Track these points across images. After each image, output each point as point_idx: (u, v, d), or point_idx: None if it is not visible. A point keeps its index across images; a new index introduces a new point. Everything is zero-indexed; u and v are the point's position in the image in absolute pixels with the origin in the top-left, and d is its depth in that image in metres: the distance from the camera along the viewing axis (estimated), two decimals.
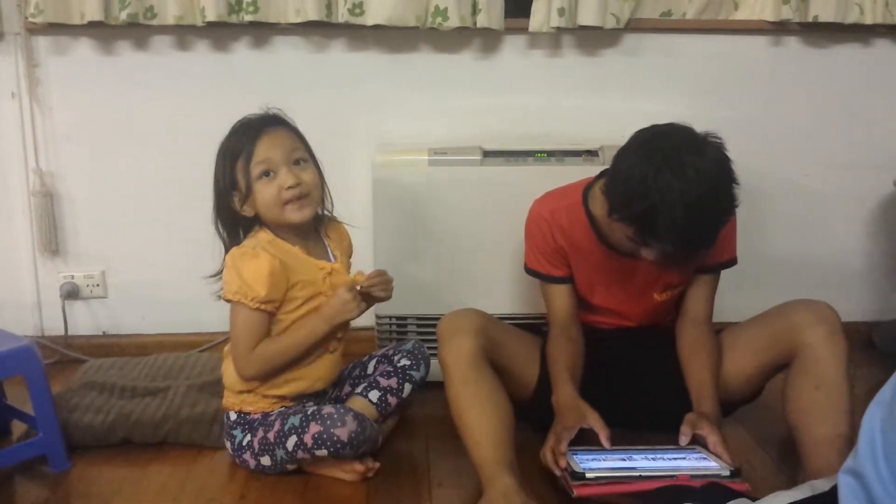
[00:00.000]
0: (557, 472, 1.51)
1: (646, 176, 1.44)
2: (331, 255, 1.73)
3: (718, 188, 1.47)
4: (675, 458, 1.56)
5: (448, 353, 1.62)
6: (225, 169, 1.62)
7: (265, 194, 1.60)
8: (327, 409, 1.59)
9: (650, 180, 1.43)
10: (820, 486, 1.21)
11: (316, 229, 1.74)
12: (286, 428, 1.59)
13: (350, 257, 1.79)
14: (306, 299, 1.64)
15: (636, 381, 1.78)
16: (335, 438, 1.54)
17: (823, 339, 1.56)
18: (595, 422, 1.55)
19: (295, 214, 1.62)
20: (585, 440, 1.64)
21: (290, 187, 1.59)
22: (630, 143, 1.55)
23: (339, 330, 1.69)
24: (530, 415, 1.74)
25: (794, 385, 1.58)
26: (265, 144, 1.60)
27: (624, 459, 1.55)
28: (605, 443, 1.54)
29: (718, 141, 1.51)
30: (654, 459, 1.55)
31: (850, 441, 1.47)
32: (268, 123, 1.64)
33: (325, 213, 1.76)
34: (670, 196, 1.42)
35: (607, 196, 1.57)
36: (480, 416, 1.55)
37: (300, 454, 1.58)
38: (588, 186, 1.73)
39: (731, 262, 1.77)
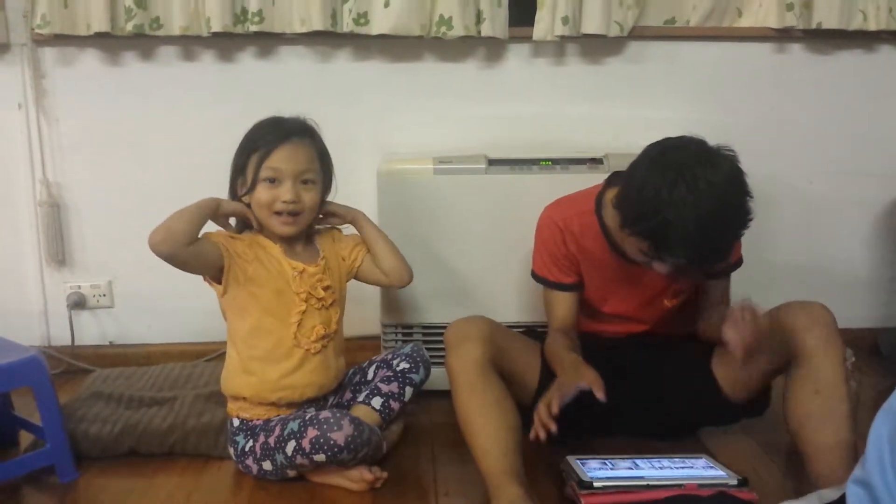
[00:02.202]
0: (543, 433, 1.49)
1: (659, 190, 1.44)
2: (320, 257, 1.75)
3: (732, 202, 1.47)
4: (683, 467, 1.56)
5: (456, 360, 1.61)
6: (241, 156, 1.68)
7: (262, 196, 1.65)
8: (324, 413, 1.60)
9: (664, 194, 1.43)
10: (828, 495, 1.21)
11: (308, 236, 1.78)
12: (285, 433, 1.60)
13: (353, 252, 1.82)
14: (274, 290, 1.67)
15: (644, 388, 1.77)
16: (332, 442, 1.54)
17: (820, 343, 1.54)
18: (593, 381, 1.52)
19: (280, 227, 1.68)
20: (594, 451, 1.64)
21: (285, 202, 1.64)
22: (642, 156, 1.55)
23: (324, 335, 1.71)
24: (530, 422, 1.74)
25: (794, 391, 1.57)
26: (283, 153, 1.65)
27: (631, 468, 1.55)
28: (599, 394, 1.50)
29: (732, 154, 1.50)
30: (661, 468, 1.55)
31: (853, 446, 1.47)
32: (296, 133, 1.68)
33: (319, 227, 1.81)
34: (684, 211, 1.42)
35: (619, 209, 1.56)
36: (487, 425, 1.55)
37: (299, 459, 1.58)
38: (600, 194, 1.73)
39: (739, 262, 1.77)
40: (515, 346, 1.75)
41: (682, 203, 1.42)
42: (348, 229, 1.85)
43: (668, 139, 1.55)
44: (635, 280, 1.73)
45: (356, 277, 1.84)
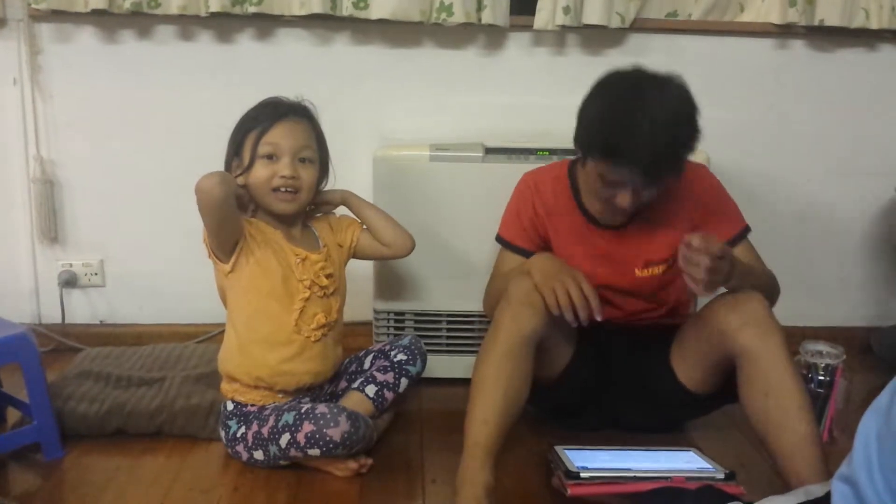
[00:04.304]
0: (589, 312, 1.54)
1: (613, 104, 1.52)
2: (321, 245, 1.75)
3: (681, 111, 1.52)
4: (671, 460, 1.55)
5: (510, 319, 1.56)
6: (238, 135, 1.68)
7: (260, 174, 1.65)
8: (321, 408, 1.58)
9: (616, 106, 1.51)
10: (814, 490, 1.22)
11: (304, 223, 1.77)
12: (280, 425, 1.59)
13: (347, 233, 1.81)
14: (281, 275, 1.66)
15: (632, 381, 1.77)
16: (328, 438, 1.54)
17: (755, 341, 1.52)
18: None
19: (279, 204, 1.67)
20: (580, 442, 1.64)
21: (283, 177, 1.64)
22: (593, 89, 1.60)
23: (324, 324, 1.70)
24: (549, 396, 1.73)
25: (745, 395, 1.54)
26: (281, 129, 1.64)
27: (619, 460, 1.54)
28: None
29: (682, 82, 1.56)
30: (648, 460, 1.55)
31: (818, 435, 1.48)
32: (294, 111, 1.68)
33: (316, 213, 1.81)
34: (635, 116, 1.48)
35: (578, 142, 1.61)
36: (500, 398, 1.51)
37: (293, 452, 1.58)
38: (573, 161, 1.77)
39: (745, 231, 1.75)
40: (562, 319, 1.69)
41: (633, 111, 1.48)
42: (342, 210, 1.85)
43: (615, 69, 1.61)
44: (604, 245, 1.72)
45: (356, 256, 1.83)
